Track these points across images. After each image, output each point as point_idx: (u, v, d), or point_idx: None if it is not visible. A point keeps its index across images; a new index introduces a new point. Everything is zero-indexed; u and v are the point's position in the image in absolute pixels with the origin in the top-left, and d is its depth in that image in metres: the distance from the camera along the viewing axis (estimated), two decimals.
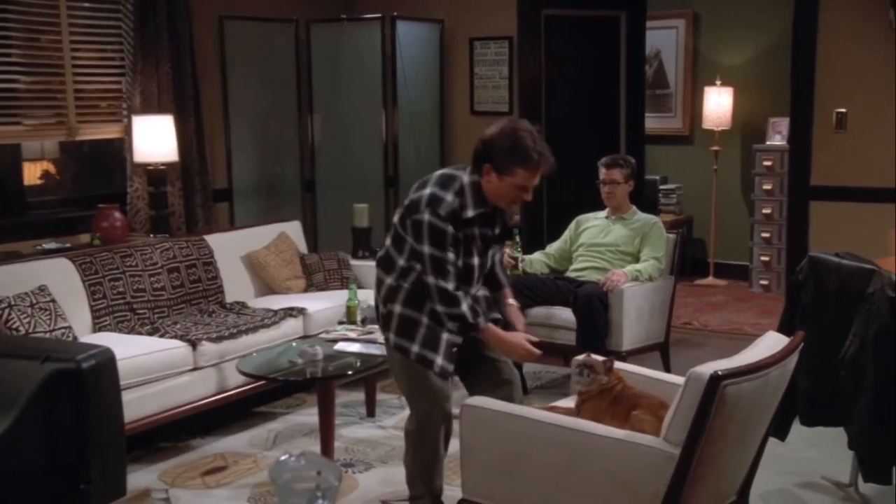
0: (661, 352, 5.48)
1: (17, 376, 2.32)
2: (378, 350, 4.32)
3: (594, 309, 5.01)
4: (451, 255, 3.23)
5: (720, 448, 2.90)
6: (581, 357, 3.39)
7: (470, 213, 3.25)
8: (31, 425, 2.39)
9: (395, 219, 3.40)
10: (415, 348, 3.39)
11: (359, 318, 4.74)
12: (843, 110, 5.88)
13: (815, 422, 3.96)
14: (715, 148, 8.26)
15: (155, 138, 5.79)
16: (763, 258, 7.98)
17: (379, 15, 6.86)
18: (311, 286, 5.79)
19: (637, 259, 5.35)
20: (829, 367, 3.75)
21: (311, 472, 1.67)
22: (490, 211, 3.36)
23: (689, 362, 5.61)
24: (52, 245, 5.34)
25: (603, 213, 5.57)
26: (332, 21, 7.00)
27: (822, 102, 5.96)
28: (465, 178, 3.26)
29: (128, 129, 6.00)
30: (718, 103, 8.21)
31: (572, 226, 5.60)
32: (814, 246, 6.09)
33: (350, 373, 4.24)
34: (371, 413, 5.05)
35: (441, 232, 3.20)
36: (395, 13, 6.85)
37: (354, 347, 4.36)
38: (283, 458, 1.78)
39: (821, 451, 4.37)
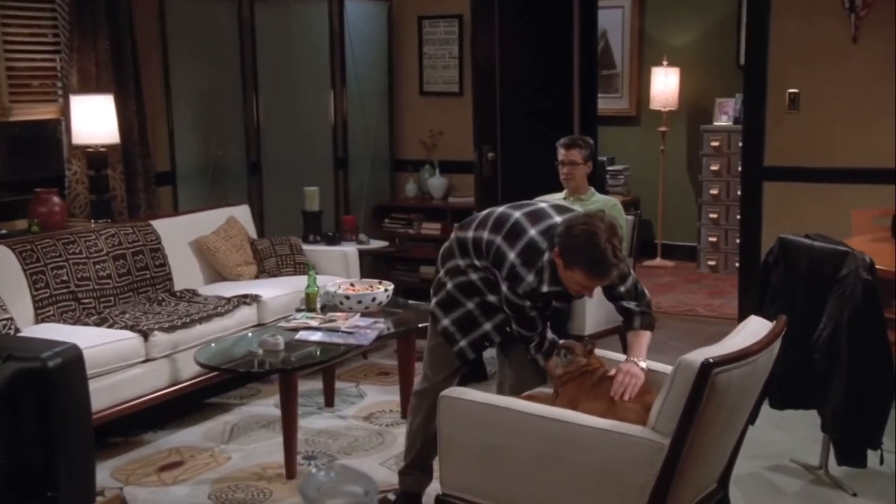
0: (621, 335, 5.41)
1: None
2: (340, 339, 4.17)
3: None
4: (533, 313, 3.29)
5: (708, 437, 2.84)
6: (562, 340, 3.33)
7: (545, 288, 3.20)
8: None
9: (470, 234, 3.35)
10: (444, 322, 3.48)
11: (318, 305, 4.58)
12: (796, 90, 5.87)
13: (786, 405, 3.94)
14: (662, 128, 8.26)
15: (95, 119, 5.53)
16: (711, 239, 8.01)
17: None
18: (262, 272, 5.61)
19: None
20: (801, 349, 3.72)
21: (344, 486, 1.54)
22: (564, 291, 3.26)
23: (653, 346, 5.58)
24: None
25: (560, 195, 5.48)
26: None
27: (775, 82, 5.94)
28: (547, 254, 3.18)
29: (65, 110, 5.73)
30: (665, 83, 8.20)
31: None
32: (767, 227, 6.10)
33: (313, 363, 4.08)
34: (330, 403, 4.91)
35: (519, 306, 3.26)
36: None
37: (316, 336, 4.19)
38: (312, 470, 1.64)
39: (786, 433, 4.37)
